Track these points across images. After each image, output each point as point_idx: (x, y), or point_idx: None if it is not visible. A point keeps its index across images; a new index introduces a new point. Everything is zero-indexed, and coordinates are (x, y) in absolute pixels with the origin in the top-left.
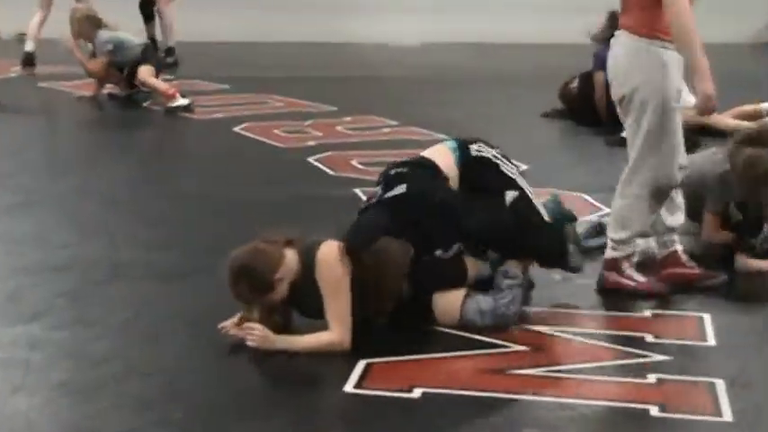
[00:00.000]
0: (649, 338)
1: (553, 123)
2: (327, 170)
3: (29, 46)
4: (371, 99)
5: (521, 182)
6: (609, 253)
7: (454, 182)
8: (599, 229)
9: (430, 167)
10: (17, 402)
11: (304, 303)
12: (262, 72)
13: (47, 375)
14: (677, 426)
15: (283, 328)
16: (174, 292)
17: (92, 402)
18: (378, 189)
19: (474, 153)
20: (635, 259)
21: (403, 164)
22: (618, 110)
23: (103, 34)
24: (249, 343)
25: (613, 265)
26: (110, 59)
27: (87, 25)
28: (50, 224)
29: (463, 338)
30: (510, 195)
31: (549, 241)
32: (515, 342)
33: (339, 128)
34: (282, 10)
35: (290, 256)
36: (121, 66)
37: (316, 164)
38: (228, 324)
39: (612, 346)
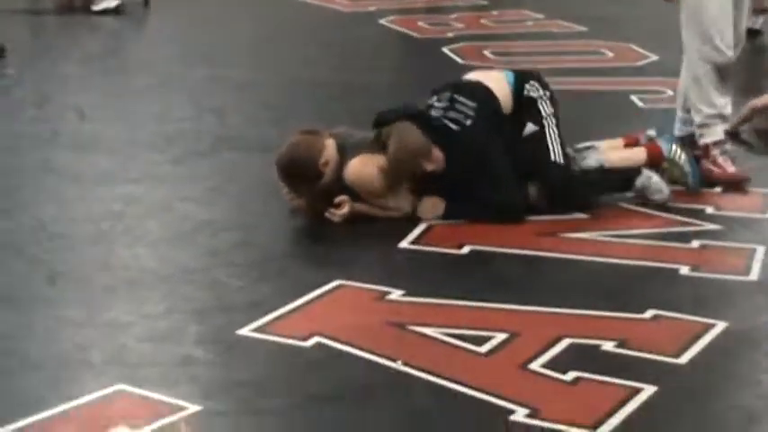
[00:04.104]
0: (709, 210)
1: None
2: (457, 59)
3: None
4: None
5: (548, 122)
6: (700, 140)
7: (507, 107)
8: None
9: (491, 99)
10: (98, 249)
11: (353, 193)
12: None
13: (134, 227)
14: (701, 282)
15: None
16: (267, 163)
17: (165, 249)
18: (444, 99)
19: (525, 92)
20: (727, 146)
21: (468, 92)
22: None
23: None
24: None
25: (705, 152)
26: None
27: None
28: (173, 103)
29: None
30: (529, 128)
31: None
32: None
33: (483, 21)
34: None
35: (331, 144)
36: None
37: (448, 53)
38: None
39: (671, 215)
